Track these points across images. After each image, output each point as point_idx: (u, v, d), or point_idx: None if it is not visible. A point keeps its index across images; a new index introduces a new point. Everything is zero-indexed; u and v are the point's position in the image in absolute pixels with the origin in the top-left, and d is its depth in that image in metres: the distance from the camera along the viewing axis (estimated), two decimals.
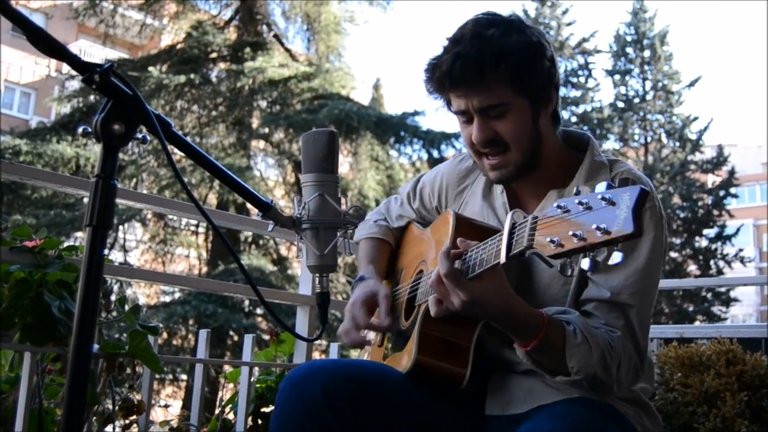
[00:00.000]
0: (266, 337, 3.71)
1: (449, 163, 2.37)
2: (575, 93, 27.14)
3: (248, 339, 3.31)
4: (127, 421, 2.74)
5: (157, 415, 4.18)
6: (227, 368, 3.58)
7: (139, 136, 1.41)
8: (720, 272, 24.95)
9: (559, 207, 1.45)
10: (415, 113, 18.95)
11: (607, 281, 1.86)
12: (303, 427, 1.83)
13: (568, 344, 1.77)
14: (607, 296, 1.87)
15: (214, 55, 18.92)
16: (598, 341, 1.79)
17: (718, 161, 26.35)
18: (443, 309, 1.79)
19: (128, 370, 2.72)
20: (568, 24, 27.69)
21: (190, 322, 16.42)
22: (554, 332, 1.77)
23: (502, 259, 1.59)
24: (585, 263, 1.40)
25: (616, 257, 1.36)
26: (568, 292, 1.94)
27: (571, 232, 1.39)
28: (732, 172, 26.06)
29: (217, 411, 3.35)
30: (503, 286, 1.76)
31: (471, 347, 1.96)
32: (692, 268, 25.55)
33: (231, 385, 3.44)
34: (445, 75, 1.89)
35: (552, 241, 1.43)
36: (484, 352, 1.97)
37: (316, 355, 3.51)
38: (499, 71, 1.87)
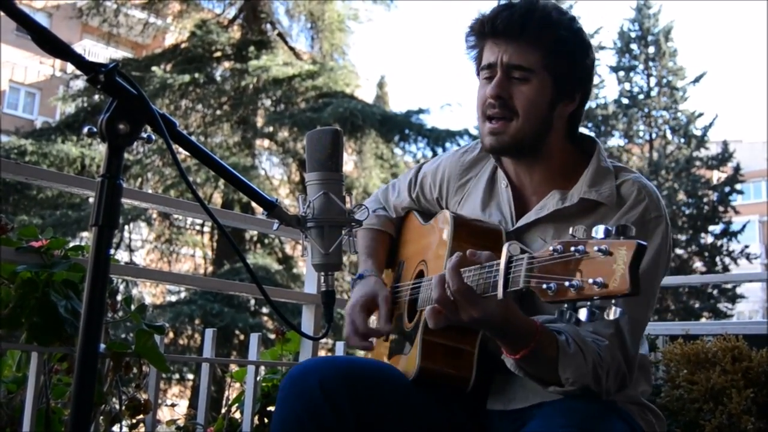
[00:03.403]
0: (272, 336, 3.72)
1: (452, 154, 2.36)
2: None
3: (254, 338, 3.31)
4: (133, 421, 2.74)
5: (163, 414, 4.19)
6: (233, 367, 3.58)
7: (145, 135, 1.41)
8: (726, 269, 24.88)
9: (554, 250, 1.42)
10: (420, 111, 18.97)
11: None
12: (302, 423, 1.84)
13: (562, 354, 1.74)
14: (597, 303, 1.85)
15: (218, 54, 18.93)
16: (590, 350, 1.77)
17: (723, 157, 26.26)
18: (442, 321, 1.72)
19: (135, 370, 2.72)
20: None
21: (196, 321, 16.44)
22: (546, 341, 1.74)
23: (500, 295, 1.55)
24: (582, 314, 1.38)
25: (616, 313, 1.34)
26: None
27: (567, 283, 1.37)
28: (737, 169, 25.97)
29: (223, 410, 3.36)
30: (508, 302, 1.71)
31: (475, 352, 1.96)
32: (698, 264, 25.49)
33: (237, 384, 3.44)
34: (489, 20, 1.95)
35: (549, 288, 1.40)
36: (487, 351, 1.97)
37: (322, 354, 3.52)
38: (539, 36, 1.92)
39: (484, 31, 1.97)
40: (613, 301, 1.34)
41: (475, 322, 1.69)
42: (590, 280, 1.33)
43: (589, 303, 1.37)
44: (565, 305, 1.41)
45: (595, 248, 1.34)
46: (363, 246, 2.42)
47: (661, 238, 1.92)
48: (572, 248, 1.38)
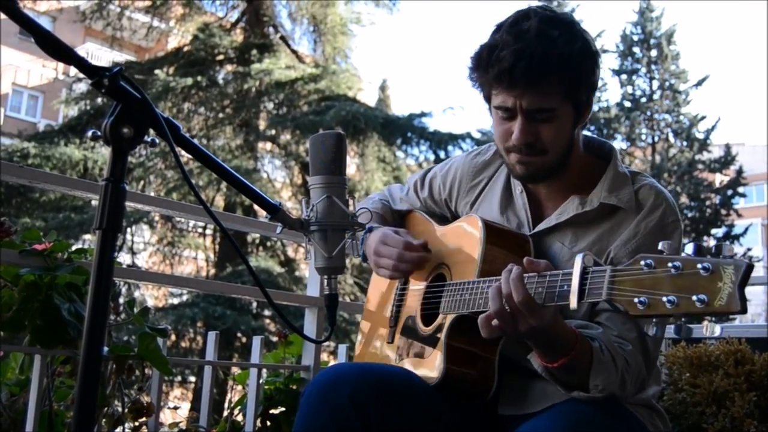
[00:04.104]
0: (274, 338, 3.72)
1: (463, 156, 2.36)
2: None
3: (257, 341, 3.31)
4: (136, 423, 2.74)
5: (166, 417, 4.19)
6: (236, 370, 3.58)
7: (148, 139, 1.41)
8: None
9: (646, 265, 1.42)
10: (422, 114, 18.95)
11: None
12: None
13: (596, 362, 1.76)
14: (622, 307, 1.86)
15: (220, 57, 18.94)
16: (619, 357, 1.80)
17: (725, 160, 26.26)
18: (496, 332, 1.74)
19: (137, 373, 2.73)
20: None
21: (199, 324, 16.43)
22: (583, 350, 1.76)
23: (573, 305, 1.56)
24: (671, 327, 1.40)
25: (717, 330, 1.37)
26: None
27: (665, 298, 1.38)
28: (740, 172, 25.96)
29: (225, 413, 3.36)
30: (557, 312, 1.74)
31: (496, 359, 1.96)
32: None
33: (240, 387, 3.44)
34: (506, 72, 1.84)
35: (640, 302, 1.41)
36: (501, 356, 1.98)
37: (324, 357, 3.52)
38: (560, 78, 1.86)
39: (501, 82, 1.87)
40: (712, 319, 1.37)
41: (531, 332, 1.70)
42: (694, 297, 1.34)
43: (682, 319, 1.39)
44: (654, 319, 1.42)
45: (699, 265, 1.35)
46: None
47: (678, 241, 1.95)
48: (669, 264, 1.39)
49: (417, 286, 2.24)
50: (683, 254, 1.39)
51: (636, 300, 1.42)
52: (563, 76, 1.86)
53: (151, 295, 19.09)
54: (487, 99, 1.99)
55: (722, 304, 1.31)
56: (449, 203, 2.34)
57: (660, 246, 1.43)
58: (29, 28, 1.33)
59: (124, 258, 17.72)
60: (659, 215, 1.95)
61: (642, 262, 1.43)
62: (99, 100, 17.86)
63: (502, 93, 1.90)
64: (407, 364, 2.12)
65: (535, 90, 1.86)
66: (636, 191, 1.99)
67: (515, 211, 2.14)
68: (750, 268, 1.32)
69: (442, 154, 18.41)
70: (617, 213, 1.98)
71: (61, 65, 26.75)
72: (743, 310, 1.30)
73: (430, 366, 2.01)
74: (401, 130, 18.74)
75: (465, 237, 2.09)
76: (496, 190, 2.21)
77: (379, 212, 2.44)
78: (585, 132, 2.14)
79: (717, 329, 1.38)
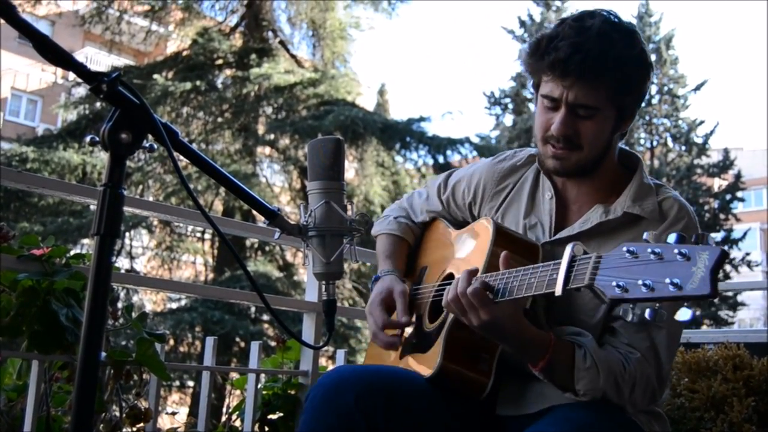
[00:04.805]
0: (273, 343, 3.72)
1: (488, 161, 2.37)
2: None
3: (255, 346, 3.31)
4: (134, 429, 2.74)
5: (164, 422, 4.18)
6: (234, 375, 3.58)
7: (147, 144, 1.41)
8: (727, 276, 24.84)
9: (629, 251, 1.45)
10: (421, 119, 18.94)
11: None
12: None
13: (577, 368, 1.81)
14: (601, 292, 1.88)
15: (219, 61, 18.94)
16: (609, 365, 1.82)
17: (724, 165, 26.29)
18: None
19: (135, 378, 2.73)
20: None
21: (197, 328, 16.41)
22: (562, 354, 1.82)
23: (558, 290, 1.59)
24: (647, 313, 1.42)
25: (685, 314, 1.38)
26: (597, 306, 1.94)
27: (641, 281, 1.40)
28: (738, 176, 25.98)
29: (224, 418, 3.35)
30: (519, 311, 1.80)
31: (495, 358, 1.97)
32: None
33: (238, 392, 3.44)
34: (561, 62, 1.88)
35: (618, 285, 1.44)
36: (501, 357, 1.99)
37: (322, 362, 3.51)
38: (612, 78, 1.89)
39: (554, 71, 1.90)
40: (685, 305, 1.39)
41: (485, 327, 1.78)
42: (667, 280, 1.36)
43: (657, 305, 1.42)
44: (631, 305, 1.45)
45: (675, 251, 1.38)
46: (382, 249, 2.44)
47: None
48: (649, 250, 1.42)
49: (429, 285, 2.25)
50: (667, 244, 1.41)
51: (614, 284, 1.44)
52: (614, 78, 1.89)
53: (149, 300, 19.06)
54: (536, 87, 2.02)
55: (693, 287, 1.33)
56: (473, 208, 2.34)
57: (645, 236, 1.46)
58: (28, 33, 1.32)
59: (122, 262, 17.72)
60: (681, 228, 1.97)
61: (624, 248, 1.47)
62: (98, 104, 17.86)
63: (552, 82, 1.93)
64: (410, 360, 2.14)
65: (584, 84, 1.89)
66: (660, 202, 2.02)
67: (539, 216, 2.15)
68: (724, 254, 1.34)
69: (440, 159, 18.43)
70: (641, 222, 2.00)
71: (60, 70, 26.77)
72: (713, 294, 1.32)
73: (429, 361, 2.02)
74: (400, 135, 18.74)
75: (476, 237, 2.13)
76: (523, 195, 2.22)
77: (396, 233, 2.45)
78: (627, 147, 2.17)
79: (687, 314, 1.39)
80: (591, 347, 1.84)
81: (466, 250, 2.17)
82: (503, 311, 1.76)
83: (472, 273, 1.81)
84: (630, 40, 1.93)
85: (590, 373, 1.80)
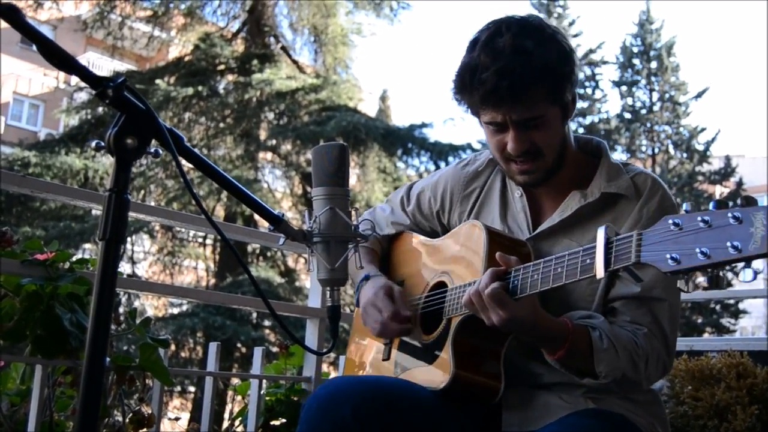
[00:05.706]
0: (275, 349, 3.71)
1: (451, 168, 2.37)
2: (582, 104, 27.05)
3: (258, 352, 3.31)
4: None
5: (166, 427, 4.18)
6: (236, 381, 3.58)
7: (152, 150, 1.41)
8: (728, 284, 24.71)
9: (675, 224, 1.44)
10: (423, 125, 18.96)
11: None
12: None
13: (595, 350, 1.83)
14: (636, 292, 1.91)
15: (221, 67, 18.97)
16: (624, 343, 1.84)
17: (725, 172, 26.28)
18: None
19: (138, 383, 2.72)
20: (575, 35, 27.68)
21: (198, 334, 16.42)
22: (580, 339, 1.84)
23: (600, 273, 1.58)
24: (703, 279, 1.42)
25: (749, 275, 1.37)
26: (594, 291, 1.97)
27: (698, 249, 1.38)
28: (740, 183, 25.97)
29: (226, 424, 3.35)
30: (536, 302, 1.82)
31: (501, 361, 1.97)
32: (701, 279, 25.09)
33: (240, 398, 3.44)
34: (490, 93, 1.88)
35: (672, 258, 1.42)
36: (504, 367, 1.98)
37: (324, 368, 3.51)
38: (542, 87, 1.90)
39: (487, 104, 1.92)
40: (743, 264, 1.36)
41: (506, 324, 1.79)
42: (728, 244, 1.34)
43: (712, 271, 1.40)
44: (686, 275, 1.44)
45: (729, 214, 1.36)
46: (358, 258, 2.41)
47: None
48: (699, 218, 1.40)
49: (414, 298, 2.23)
50: (711, 210, 1.40)
51: (668, 256, 1.43)
52: (545, 85, 1.91)
53: (150, 305, 19.07)
54: (476, 115, 2.03)
55: (756, 247, 1.32)
56: (441, 215, 2.34)
57: (683, 208, 1.45)
58: (33, 37, 1.32)
59: (124, 267, 17.70)
60: (659, 199, 2.00)
61: (670, 221, 1.45)
62: (100, 109, 17.89)
63: (490, 111, 1.95)
64: (409, 377, 2.11)
65: (522, 103, 1.90)
66: (632, 178, 2.04)
67: (514, 216, 2.16)
68: None
69: (442, 165, 18.42)
70: (619, 202, 2.02)
71: (62, 74, 26.76)
72: None
73: (438, 372, 2.00)
74: (402, 141, 18.76)
75: (467, 241, 2.11)
76: (493, 198, 2.22)
77: (368, 245, 2.42)
78: (582, 135, 2.19)
79: (749, 274, 1.37)
80: (605, 328, 1.86)
81: (457, 254, 2.15)
82: (523, 308, 1.79)
83: (497, 272, 1.83)
84: (544, 41, 1.93)
85: (609, 353, 1.83)
